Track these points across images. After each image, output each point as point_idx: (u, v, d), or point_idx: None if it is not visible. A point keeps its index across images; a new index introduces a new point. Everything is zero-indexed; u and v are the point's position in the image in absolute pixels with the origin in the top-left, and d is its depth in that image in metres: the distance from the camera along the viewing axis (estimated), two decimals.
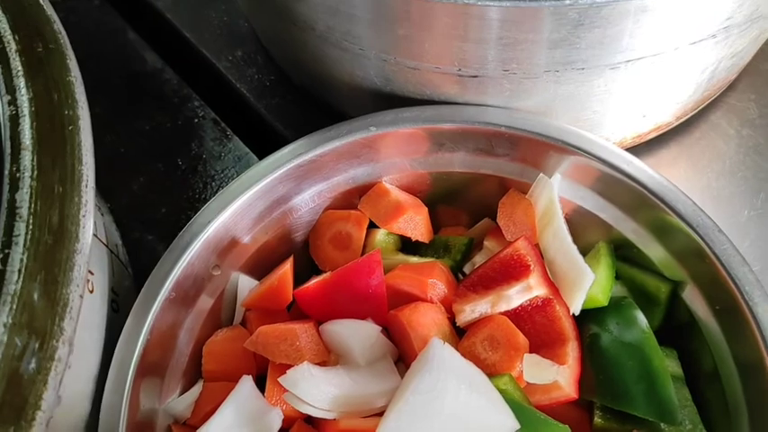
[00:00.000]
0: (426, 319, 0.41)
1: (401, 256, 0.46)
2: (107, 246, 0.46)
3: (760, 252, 0.53)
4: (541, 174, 0.44)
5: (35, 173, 0.32)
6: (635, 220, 0.43)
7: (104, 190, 0.56)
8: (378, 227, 0.47)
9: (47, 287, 0.30)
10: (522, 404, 0.37)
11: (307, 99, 0.61)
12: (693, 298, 0.41)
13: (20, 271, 0.30)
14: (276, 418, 0.39)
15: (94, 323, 0.42)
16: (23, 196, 0.31)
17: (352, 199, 0.48)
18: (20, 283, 0.29)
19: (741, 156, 0.57)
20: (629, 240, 0.43)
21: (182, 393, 0.44)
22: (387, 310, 0.42)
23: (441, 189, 0.48)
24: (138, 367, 0.40)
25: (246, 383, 0.41)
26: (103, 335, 0.43)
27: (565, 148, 0.42)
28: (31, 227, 0.31)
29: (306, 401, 0.39)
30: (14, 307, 0.29)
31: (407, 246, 0.48)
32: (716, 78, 0.51)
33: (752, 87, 0.59)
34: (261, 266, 0.47)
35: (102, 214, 0.48)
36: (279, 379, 0.39)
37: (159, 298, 0.41)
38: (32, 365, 0.29)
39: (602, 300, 0.41)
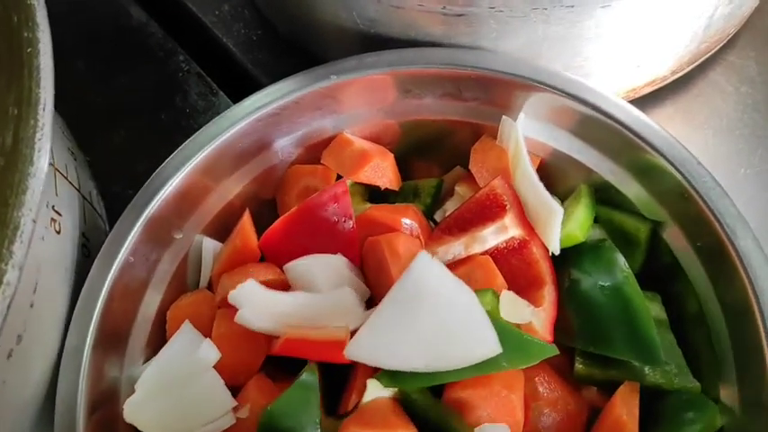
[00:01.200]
0: (405, 249, 0.39)
1: (369, 205, 0.44)
2: (79, 190, 0.45)
3: (756, 210, 0.51)
4: (504, 116, 0.42)
5: None
6: (612, 160, 0.41)
7: (85, 143, 0.55)
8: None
9: None
10: (508, 325, 0.36)
11: (294, 53, 0.60)
12: (675, 237, 0.40)
13: None
14: (209, 350, 0.38)
15: (62, 265, 0.40)
16: None
17: (318, 153, 0.45)
18: None
19: (739, 113, 0.55)
20: (608, 182, 0.42)
21: (146, 362, 0.42)
22: (357, 245, 0.40)
23: (410, 139, 0.46)
24: (97, 335, 0.38)
25: (185, 326, 0.40)
26: (73, 279, 0.41)
27: (534, 86, 0.40)
28: None
29: (252, 318, 0.37)
30: None
31: (375, 196, 0.46)
32: (713, 29, 0.49)
33: (752, 45, 0.58)
34: (225, 228, 0.45)
35: (76, 159, 0.47)
36: (228, 296, 0.38)
37: (116, 263, 0.39)
38: None
39: (579, 236, 0.40)
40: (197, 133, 0.41)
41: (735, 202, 0.38)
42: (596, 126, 0.40)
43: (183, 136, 0.59)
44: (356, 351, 0.35)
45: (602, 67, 0.47)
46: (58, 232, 0.40)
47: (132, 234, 0.40)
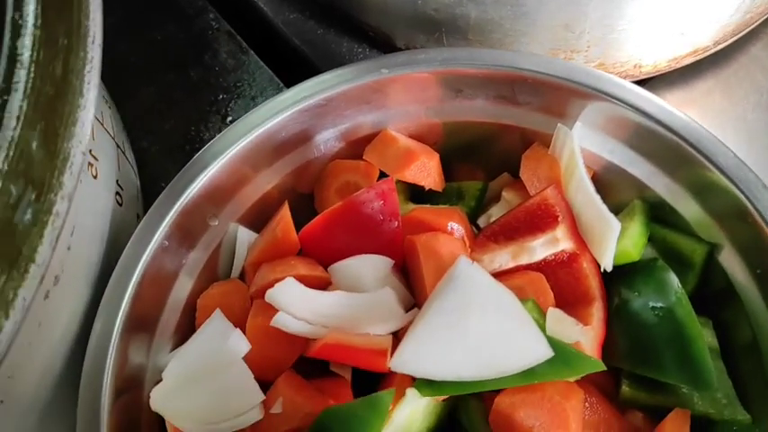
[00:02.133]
0: (444, 251, 0.37)
1: (413, 206, 0.43)
2: (114, 138, 0.44)
3: None
4: (559, 124, 0.40)
5: (39, 21, 0.30)
6: (669, 176, 0.39)
7: (115, 98, 0.54)
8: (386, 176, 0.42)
9: (47, 138, 0.28)
10: (552, 336, 0.34)
11: (326, 14, 0.59)
12: (731, 261, 0.38)
13: (18, 118, 0.28)
14: (239, 341, 0.36)
15: (99, 211, 0.40)
16: (25, 43, 0.29)
17: (360, 148, 0.43)
18: (18, 129, 0.27)
19: None
20: (662, 198, 0.39)
21: (173, 350, 0.41)
22: (401, 247, 0.38)
23: (455, 141, 0.44)
24: (126, 321, 0.37)
25: (216, 315, 0.38)
26: (107, 225, 0.41)
27: (592, 93, 0.38)
28: (32, 75, 0.29)
29: (289, 322, 0.36)
30: (11, 153, 0.27)
31: (417, 196, 0.44)
32: None
33: None
34: (261, 218, 0.43)
35: (110, 107, 0.46)
36: (266, 295, 0.36)
37: (150, 247, 0.38)
38: (28, 216, 0.27)
39: (633, 254, 0.38)
40: (239, 120, 0.40)
41: None
42: (654, 138, 0.38)
43: (211, 94, 0.59)
44: (401, 364, 0.33)
45: (645, 31, 0.46)
46: (95, 177, 0.39)
47: (169, 217, 0.38)
